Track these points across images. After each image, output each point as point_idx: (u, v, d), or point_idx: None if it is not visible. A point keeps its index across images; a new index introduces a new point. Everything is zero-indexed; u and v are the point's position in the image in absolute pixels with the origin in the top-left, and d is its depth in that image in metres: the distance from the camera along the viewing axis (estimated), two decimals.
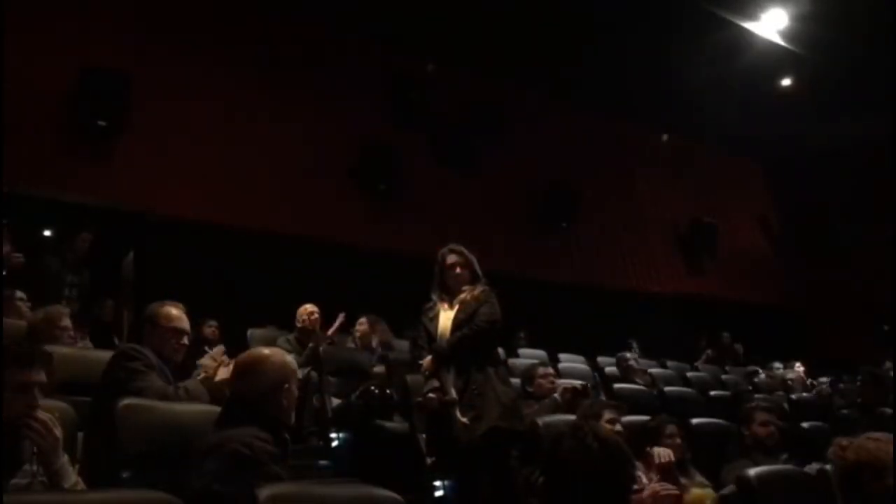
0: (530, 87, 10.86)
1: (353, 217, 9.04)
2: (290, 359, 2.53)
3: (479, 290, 4.02)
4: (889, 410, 7.04)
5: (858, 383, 8.69)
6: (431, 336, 4.00)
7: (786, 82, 10.72)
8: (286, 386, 2.41)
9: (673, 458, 3.28)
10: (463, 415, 3.72)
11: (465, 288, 4.03)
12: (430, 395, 3.83)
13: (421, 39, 9.68)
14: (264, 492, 1.77)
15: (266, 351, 2.52)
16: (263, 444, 2.18)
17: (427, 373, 3.92)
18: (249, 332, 6.12)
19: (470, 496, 3.72)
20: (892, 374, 10.13)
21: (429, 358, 3.93)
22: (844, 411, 6.40)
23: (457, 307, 3.97)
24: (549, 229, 10.90)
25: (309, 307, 6.21)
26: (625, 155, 11.94)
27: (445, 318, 3.98)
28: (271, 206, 8.49)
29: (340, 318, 6.49)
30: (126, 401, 2.60)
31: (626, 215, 11.83)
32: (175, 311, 3.39)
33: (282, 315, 6.51)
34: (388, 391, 4.85)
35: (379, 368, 5.48)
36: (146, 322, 3.38)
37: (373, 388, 4.87)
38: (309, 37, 9.25)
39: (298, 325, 6.15)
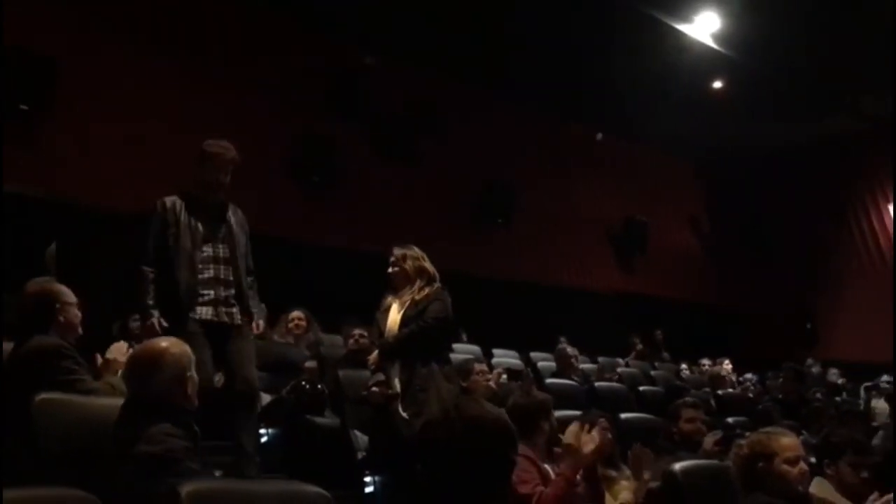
0: (470, 83, 10.89)
1: (288, 209, 8.92)
2: (187, 347, 2.51)
3: (431, 288, 4.08)
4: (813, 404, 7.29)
5: (781, 379, 9.00)
6: (381, 331, 4.05)
7: (717, 84, 10.97)
8: (188, 374, 2.40)
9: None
10: (405, 409, 3.74)
11: (413, 286, 4.07)
12: (374, 388, 3.86)
13: (362, 33, 9.60)
14: (186, 488, 1.72)
15: (163, 343, 2.48)
16: (176, 440, 2.15)
17: (373, 367, 3.97)
18: None
19: (407, 492, 3.72)
20: (813, 370, 10.53)
21: (375, 352, 3.98)
22: (766, 405, 6.57)
23: (406, 304, 4.03)
24: (485, 226, 10.95)
25: None
26: (561, 153, 12.07)
27: (395, 314, 4.03)
28: None
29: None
30: (42, 396, 2.49)
31: (561, 213, 11.96)
32: (64, 287, 3.32)
33: None
34: (319, 386, 4.81)
35: (311, 364, 5.41)
36: (47, 307, 3.17)
37: (304, 383, 4.82)
38: (248, 26, 9.08)
39: None
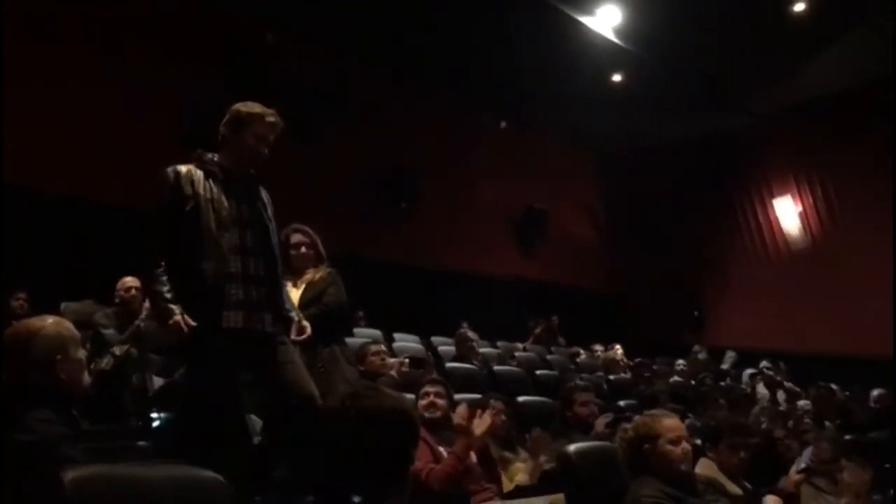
0: (375, 66, 10.80)
1: None
2: (67, 325, 2.38)
3: (325, 271, 4.07)
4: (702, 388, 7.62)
5: (678, 366, 9.38)
6: None
7: (617, 78, 11.25)
8: (58, 357, 2.26)
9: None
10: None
11: (310, 269, 4.05)
12: None
13: (262, 9, 9.37)
14: (68, 475, 1.64)
15: (38, 323, 2.34)
16: (48, 426, 2.06)
17: None
18: (63, 305, 5.71)
19: (309, 475, 3.69)
20: (699, 356, 11.00)
21: None
22: (655, 390, 6.81)
23: (303, 287, 3.99)
24: (388, 209, 10.92)
25: (129, 280, 5.82)
26: (465, 141, 12.14)
27: (292, 296, 3.91)
28: (93, 172, 7.97)
29: None
30: None
31: (463, 199, 12.05)
32: None
33: (102, 288, 6.10)
34: None
35: None
36: None
37: None
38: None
39: (117, 299, 5.80)
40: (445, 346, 7.49)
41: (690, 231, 13.97)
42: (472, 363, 6.52)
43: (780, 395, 8.66)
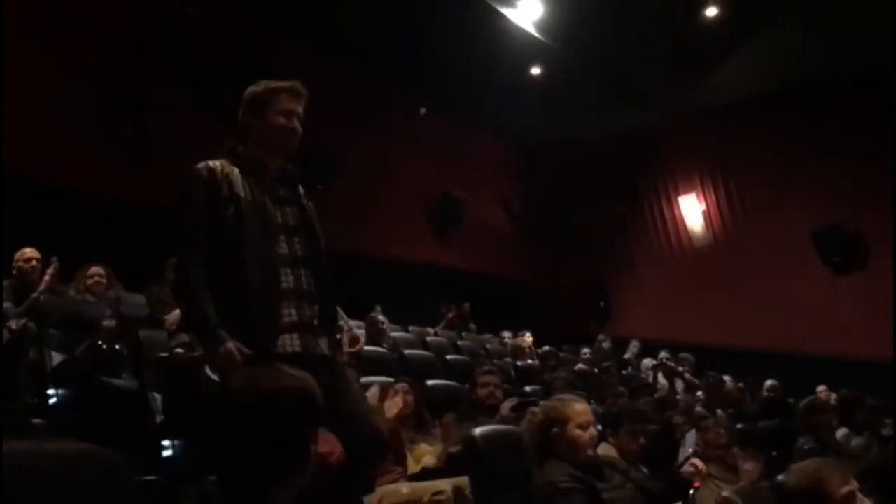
0: (297, 43, 10.61)
1: (94, 162, 8.31)
2: None
3: None
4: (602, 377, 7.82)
5: (584, 354, 9.61)
6: None
7: (536, 71, 11.40)
8: None
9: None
10: (213, 372, 3.62)
11: None
12: (178, 350, 3.69)
13: None
14: None
15: None
16: None
17: (174, 328, 3.78)
18: None
19: (211, 456, 3.62)
20: (604, 345, 11.30)
21: (176, 312, 3.79)
22: (560, 376, 6.95)
23: None
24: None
25: (28, 252, 5.60)
26: (384, 124, 12.07)
27: None
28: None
29: (53, 265, 5.64)
30: None
31: (380, 183, 11.98)
32: None
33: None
34: (117, 347, 4.57)
35: (109, 323, 5.12)
36: None
37: (101, 343, 4.56)
38: None
39: (15, 271, 5.57)
40: (357, 329, 7.46)
41: (601, 224, 14.31)
42: (382, 347, 6.53)
43: (679, 385, 8.99)
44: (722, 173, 13.18)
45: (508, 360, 8.16)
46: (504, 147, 14.71)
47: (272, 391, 1.67)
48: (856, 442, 5.54)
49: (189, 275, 2.47)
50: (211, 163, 2.65)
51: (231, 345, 2.39)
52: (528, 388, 6.03)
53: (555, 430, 2.96)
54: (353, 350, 2.85)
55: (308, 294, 2.61)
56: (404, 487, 3.26)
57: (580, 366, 8.71)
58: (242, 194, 2.57)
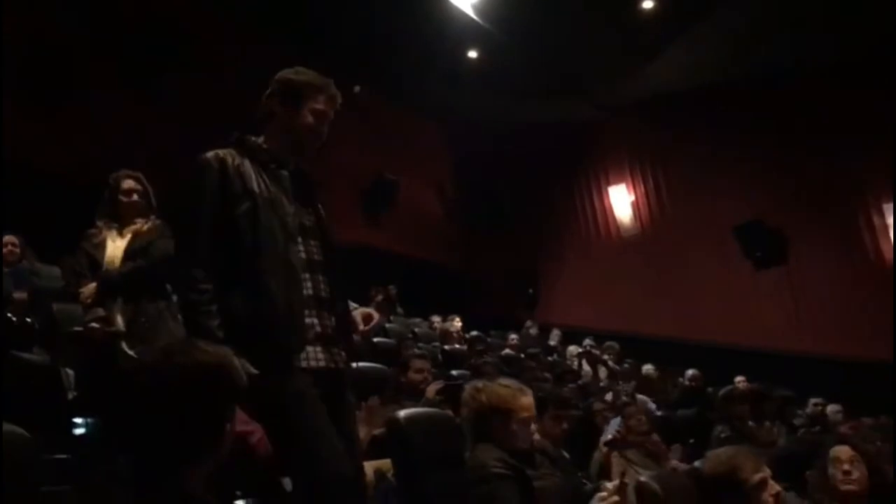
0: (228, 21, 10.34)
1: (8, 127, 7.93)
2: None
3: (155, 222, 3.85)
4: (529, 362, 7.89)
5: (511, 340, 9.69)
6: (97, 264, 3.71)
7: (473, 54, 11.36)
8: None
9: None
10: (131, 347, 3.50)
11: (138, 219, 3.81)
12: (94, 324, 3.55)
13: None
14: None
15: None
16: None
17: (89, 301, 3.63)
18: None
19: (125, 434, 3.51)
20: (531, 331, 11.42)
21: (92, 286, 3.64)
22: (488, 361, 6.97)
23: (129, 237, 3.76)
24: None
25: None
26: None
27: (115, 247, 3.74)
28: None
29: None
30: None
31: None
32: None
33: None
34: (28, 320, 4.38)
35: (20, 294, 4.91)
36: None
37: (11, 315, 4.36)
38: None
39: None
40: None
41: (533, 211, 14.43)
42: None
43: (602, 373, 9.15)
44: (651, 165, 13.41)
45: (436, 344, 8.16)
46: (440, 130, 14.67)
47: (187, 367, 1.61)
48: (768, 431, 5.72)
49: (192, 282, 2.18)
50: (220, 152, 2.41)
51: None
52: (454, 373, 6.03)
53: (497, 419, 2.90)
54: (367, 328, 2.58)
55: (327, 302, 2.40)
56: None
57: (507, 351, 8.78)
58: (257, 190, 2.32)
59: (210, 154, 2.39)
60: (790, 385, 7.54)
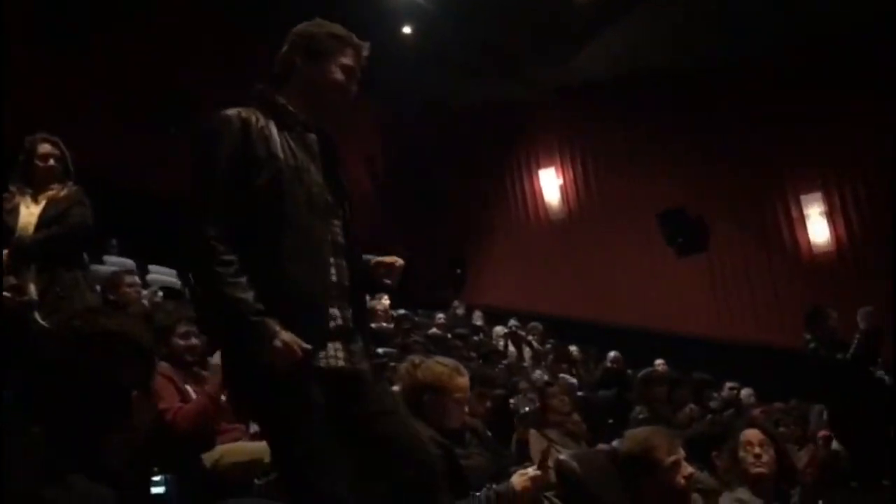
0: None
1: None
2: None
3: (71, 188, 3.72)
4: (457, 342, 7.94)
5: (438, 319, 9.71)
6: (10, 230, 3.56)
7: (407, 30, 11.24)
8: None
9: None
10: (44, 318, 3.37)
11: (54, 185, 3.68)
12: (5, 294, 3.41)
13: None
14: None
15: None
16: None
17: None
18: None
19: (38, 405, 3.39)
20: (458, 312, 11.47)
21: (4, 252, 3.49)
22: (415, 340, 6.99)
23: (43, 203, 3.62)
24: (156, 135, 10.16)
25: None
26: (249, 71, 11.56)
27: (28, 213, 3.60)
28: None
29: None
30: None
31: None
32: None
33: None
34: None
35: None
36: None
37: None
38: None
39: None
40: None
41: (464, 191, 14.44)
42: None
43: (527, 353, 9.26)
44: (581, 150, 13.59)
45: None
46: (371, 106, 14.48)
47: (88, 334, 1.56)
48: (684, 413, 5.88)
49: (213, 252, 1.87)
50: (243, 111, 2.06)
51: (287, 336, 1.83)
52: (380, 351, 6.01)
53: (428, 395, 2.87)
54: (393, 281, 2.30)
55: (348, 291, 2.10)
56: (246, 446, 3.16)
57: (434, 331, 8.79)
58: (282, 156, 2.01)
59: (232, 111, 2.06)
60: (708, 369, 7.78)
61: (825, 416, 6.08)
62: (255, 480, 2.91)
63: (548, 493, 2.91)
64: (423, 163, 14.58)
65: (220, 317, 1.91)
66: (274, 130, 2.05)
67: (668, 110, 11.98)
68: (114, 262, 6.39)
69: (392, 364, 5.02)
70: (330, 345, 1.98)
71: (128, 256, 7.29)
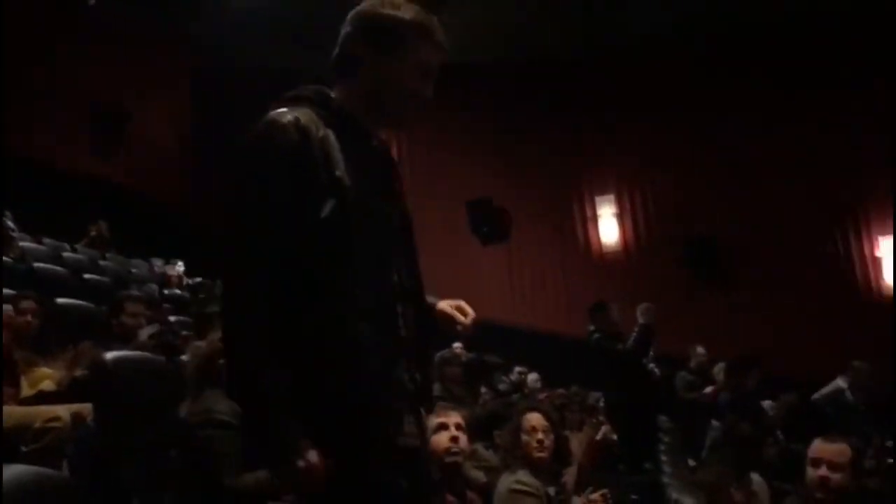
0: None
1: None
2: None
3: None
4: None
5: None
6: None
7: None
8: None
9: None
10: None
11: None
12: None
13: None
14: None
15: None
16: None
17: None
18: None
19: None
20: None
21: None
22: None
23: None
24: None
25: None
26: (49, 13, 10.63)
27: None
28: None
29: None
30: None
31: (36, 83, 10.50)
32: None
33: None
34: None
35: None
36: None
37: None
38: None
39: None
40: None
41: None
42: (8, 256, 5.80)
43: None
44: (427, 138, 13.59)
45: (154, 286, 7.73)
46: (182, 62, 13.73)
47: None
48: (476, 394, 6.11)
49: (254, 330, 1.42)
50: (301, 116, 1.58)
51: (313, 456, 1.38)
52: (172, 318, 5.77)
53: (222, 360, 2.85)
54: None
55: (417, 347, 1.65)
56: (14, 411, 2.96)
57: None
58: (348, 182, 1.53)
59: (289, 116, 1.58)
60: (503, 353, 8.10)
61: (601, 402, 6.51)
62: (22, 447, 2.73)
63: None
64: (232, 125, 13.97)
65: (252, 407, 1.44)
66: (335, 143, 1.56)
67: (486, 100, 12.26)
68: None
69: (185, 333, 4.84)
70: (408, 418, 1.57)
71: None
